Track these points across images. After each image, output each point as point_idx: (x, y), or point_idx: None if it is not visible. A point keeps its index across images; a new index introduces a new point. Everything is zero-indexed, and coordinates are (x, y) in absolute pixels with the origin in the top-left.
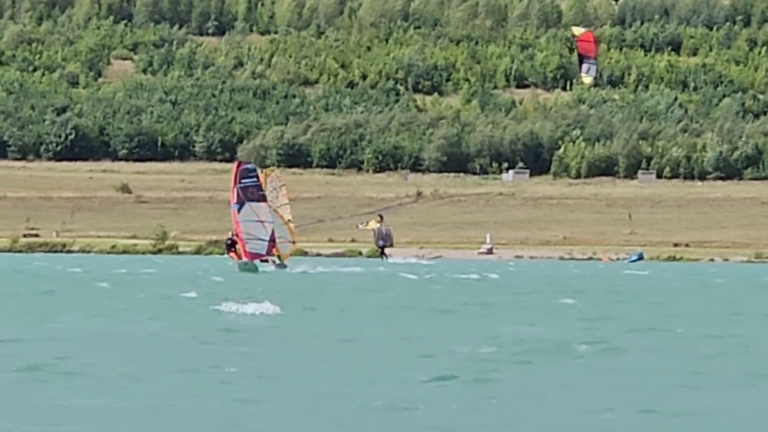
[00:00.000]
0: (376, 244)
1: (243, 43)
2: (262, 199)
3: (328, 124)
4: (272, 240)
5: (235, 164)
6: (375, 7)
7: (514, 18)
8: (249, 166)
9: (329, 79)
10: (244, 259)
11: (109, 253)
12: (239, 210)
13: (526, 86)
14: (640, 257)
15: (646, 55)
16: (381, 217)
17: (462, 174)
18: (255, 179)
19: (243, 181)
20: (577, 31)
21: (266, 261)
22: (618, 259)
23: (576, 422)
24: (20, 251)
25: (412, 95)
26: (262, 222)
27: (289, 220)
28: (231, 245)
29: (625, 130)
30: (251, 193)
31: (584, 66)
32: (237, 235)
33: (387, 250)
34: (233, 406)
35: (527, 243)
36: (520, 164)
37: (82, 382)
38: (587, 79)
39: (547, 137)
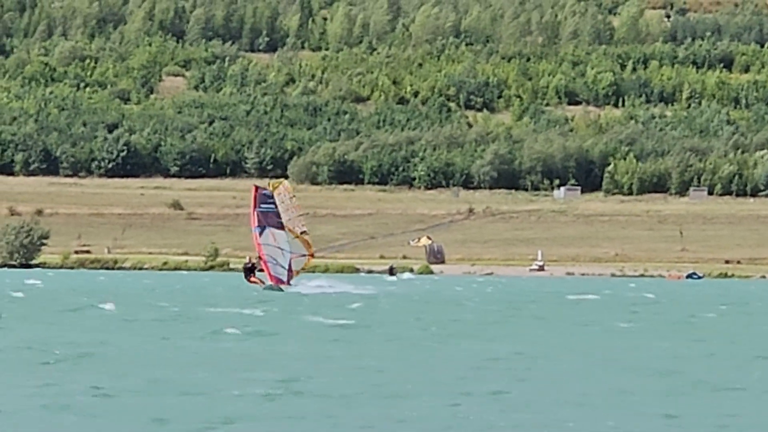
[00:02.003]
0: (427, 260)
1: (295, 60)
2: (281, 227)
3: (379, 141)
4: (290, 269)
5: (253, 188)
6: (427, 24)
7: (566, 35)
8: (266, 192)
9: (381, 95)
10: (269, 282)
11: (160, 269)
12: (261, 233)
13: (578, 103)
14: (696, 276)
15: (697, 71)
16: (429, 237)
17: (513, 191)
18: (273, 206)
19: (262, 206)
20: None
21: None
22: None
23: None
24: (71, 267)
25: (464, 112)
26: (281, 249)
27: (303, 232)
28: (250, 270)
29: (677, 147)
30: (271, 219)
31: None
32: (261, 258)
33: (439, 267)
34: None
35: (578, 260)
36: (572, 181)
37: None
38: None
39: (599, 154)
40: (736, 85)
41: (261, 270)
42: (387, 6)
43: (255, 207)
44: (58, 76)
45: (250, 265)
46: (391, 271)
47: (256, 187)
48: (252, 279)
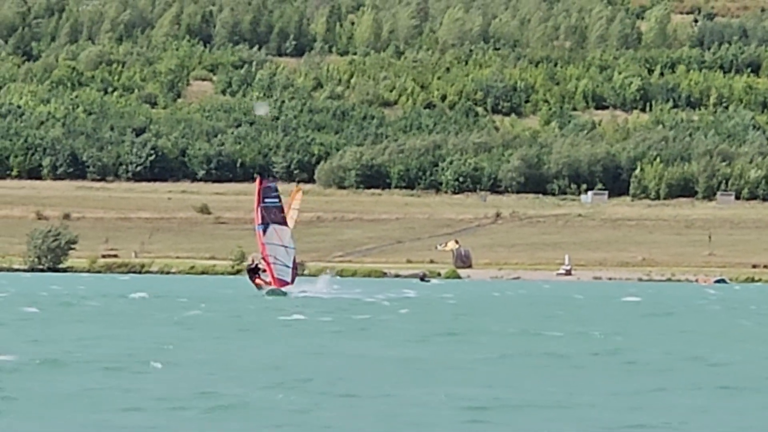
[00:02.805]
0: (454, 264)
1: (322, 64)
2: (284, 222)
3: (406, 145)
4: (294, 267)
5: (258, 181)
6: (454, 28)
7: (594, 39)
8: (271, 184)
9: (408, 100)
10: (273, 286)
11: (187, 273)
12: (264, 232)
13: (605, 107)
14: (723, 281)
15: (725, 76)
16: (456, 242)
17: (541, 195)
18: (277, 200)
19: (266, 200)
20: None
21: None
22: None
23: None
24: (98, 272)
25: (491, 116)
26: (285, 247)
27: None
28: (254, 271)
29: (704, 152)
30: (274, 214)
31: None
32: (264, 258)
33: (467, 271)
34: None
35: (606, 264)
36: (599, 185)
37: None
38: None
39: (626, 158)
40: (763, 90)
41: (266, 271)
42: (414, 10)
43: (259, 203)
44: (85, 80)
45: (253, 266)
46: (423, 278)
47: (261, 180)
48: (257, 281)
